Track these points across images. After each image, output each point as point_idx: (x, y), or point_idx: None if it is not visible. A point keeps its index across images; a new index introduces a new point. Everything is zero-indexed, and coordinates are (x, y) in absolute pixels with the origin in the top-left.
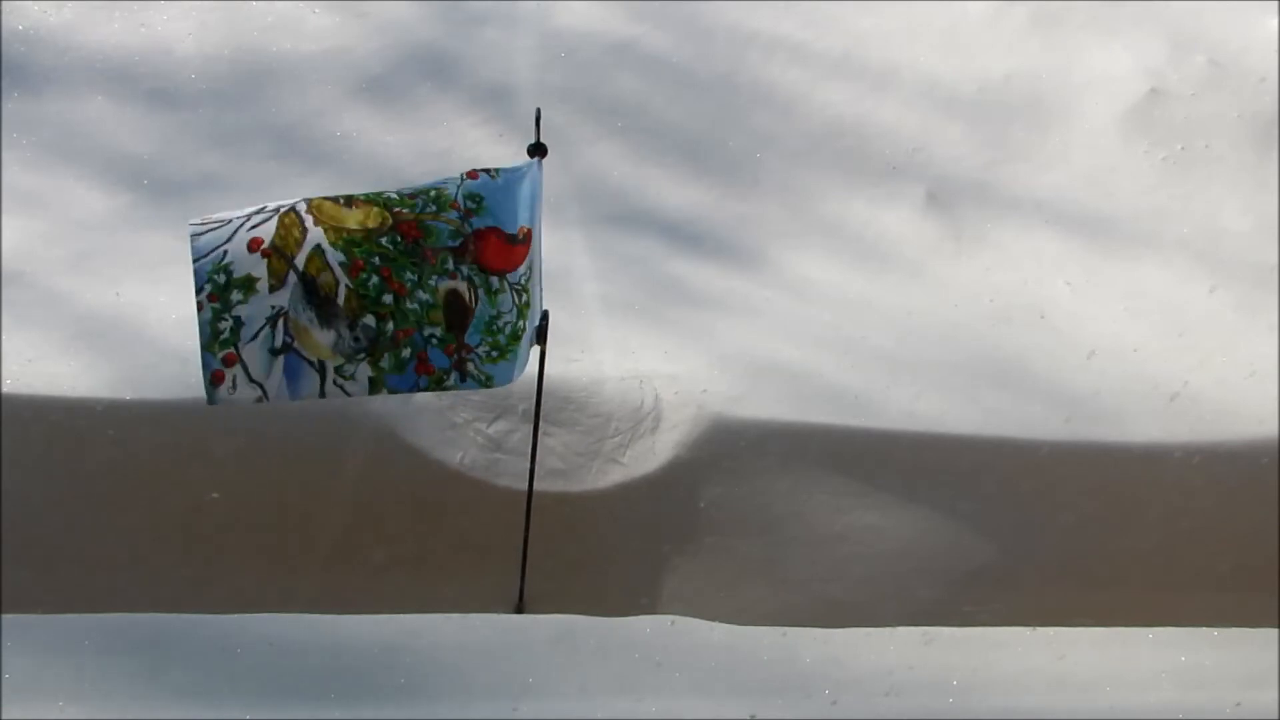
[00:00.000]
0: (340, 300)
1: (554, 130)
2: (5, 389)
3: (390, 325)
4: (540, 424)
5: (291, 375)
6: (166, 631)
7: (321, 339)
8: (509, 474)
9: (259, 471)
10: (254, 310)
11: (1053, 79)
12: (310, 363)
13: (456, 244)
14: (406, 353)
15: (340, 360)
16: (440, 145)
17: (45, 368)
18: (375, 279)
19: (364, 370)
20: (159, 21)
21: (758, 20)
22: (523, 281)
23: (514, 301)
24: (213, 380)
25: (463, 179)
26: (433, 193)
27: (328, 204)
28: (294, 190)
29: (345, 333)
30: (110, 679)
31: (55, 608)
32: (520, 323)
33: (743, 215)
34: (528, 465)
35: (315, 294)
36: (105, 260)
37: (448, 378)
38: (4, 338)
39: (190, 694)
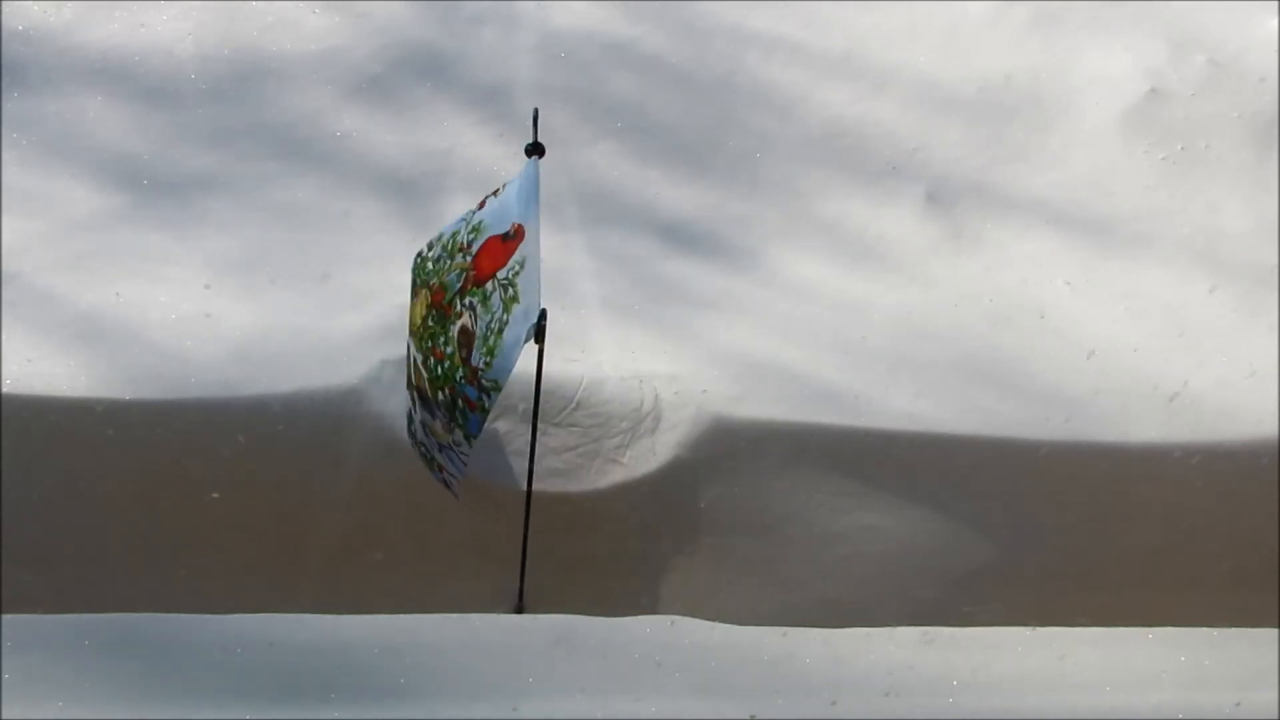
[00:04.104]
0: (439, 401)
1: (553, 130)
2: (5, 389)
3: (446, 391)
4: (540, 424)
5: (451, 462)
6: (166, 631)
7: (439, 427)
8: (509, 474)
9: (259, 471)
10: (417, 429)
11: (1053, 79)
12: (442, 447)
13: (461, 283)
14: (460, 403)
15: (448, 436)
16: (439, 145)
17: (45, 368)
18: (431, 360)
19: (458, 434)
20: (159, 21)
21: (757, 20)
22: (509, 276)
23: (501, 298)
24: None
25: (473, 213)
26: (449, 244)
27: (411, 308)
28: (292, 190)
29: (439, 414)
30: (110, 679)
31: (55, 608)
32: (505, 315)
33: (742, 215)
34: (528, 465)
35: (424, 398)
36: (104, 260)
37: (485, 401)
38: (4, 338)
39: (190, 694)
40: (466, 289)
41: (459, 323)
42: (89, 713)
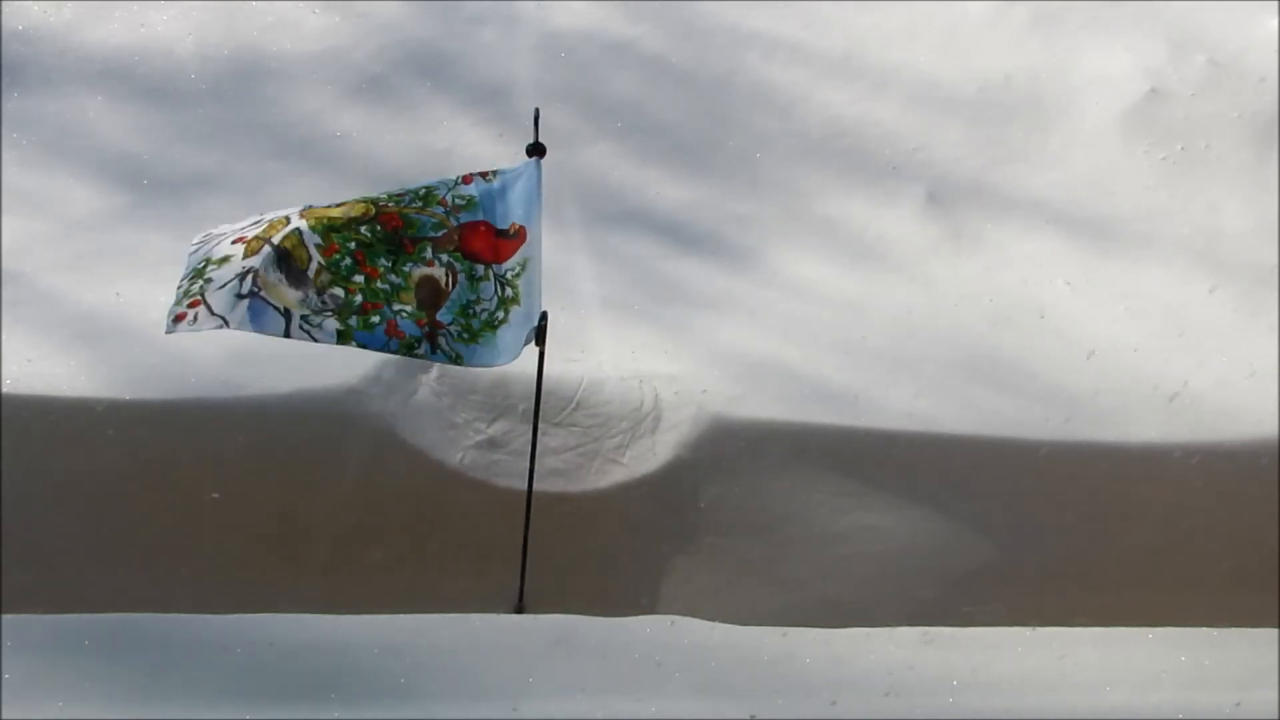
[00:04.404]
0: (310, 273)
1: (553, 130)
2: (5, 389)
3: (359, 298)
4: (540, 424)
5: (256, 313)
6: (166, 631)
7: (289, 294)
8: (509, 474)
9: (259, 471)
10: (225, 273)
11: (1053, 79)
12: (275, 307)
13: (438, 235)
14: (375, 319)
15: (306, 311)
16: (439, 145)
17: (45, 368)
18: (348, 260)
19: (331, 323)
20: (159, 21)
21: (757, 20)
22: (509, 275)
23: (496, 291)
24: (174, 319)
25: (457, 182)
26: (422, 190)
27: (318, 208)
28: (292, 190)
29: (313, 295)
30: (110, 679)
31: (55, 608)
32: (500, 312)
33: (742, 215)
34: (528, 465)
35: (287, 262)
36: (105, 260)
37: (419, 345)
38: (4, 338)
39: (190, 694)
40: (444, 246)
41: (424, 270)
42: (89, 713)
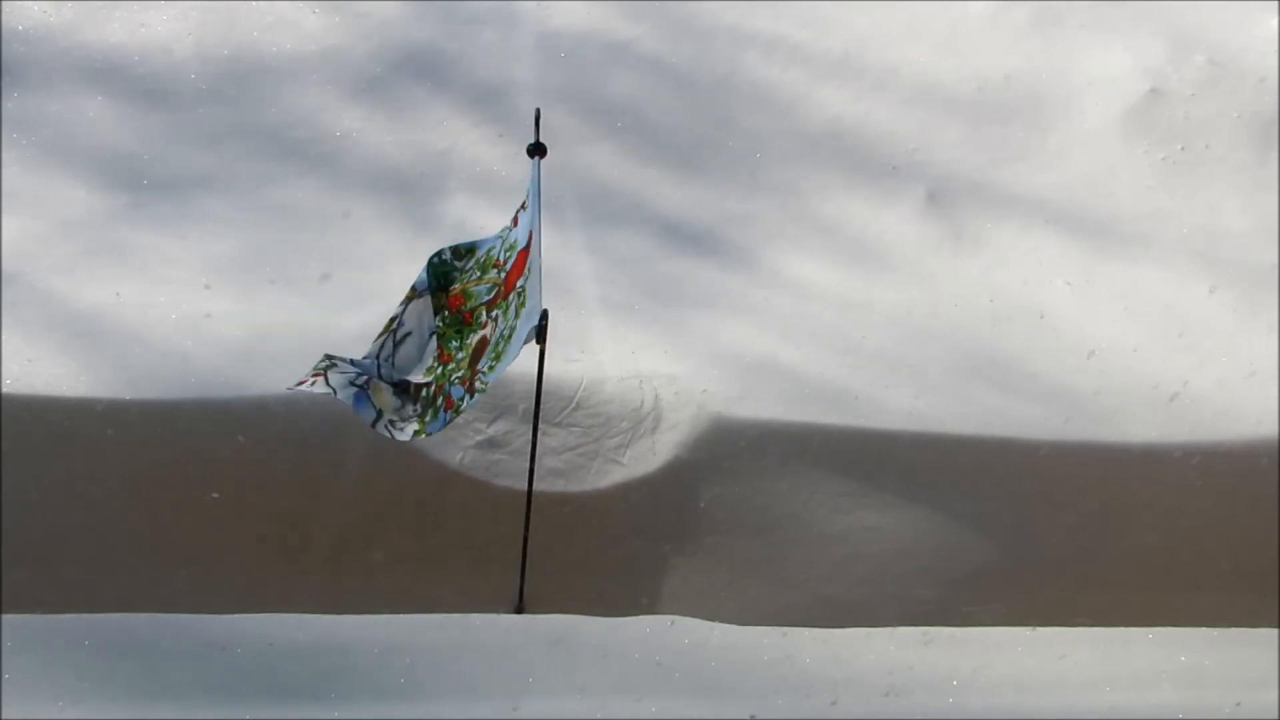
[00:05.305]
0: (413, 388)
1: (552, 131)
2: (5, 389)
3: (433, 388)
4: (540, 424)
5: (358, 401)
6: (166, 631)
7: (388, 400)
8: (509, 474)
9: (259, 471)
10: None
11: (1053, 79)
12: (373, 403)
13: (490, 295)
14: (440, 401)
15: (394, 416)
16: (439, 145)
17: (45, 368)
18: (434, 361)
19: (411, 426)
20: (158, 21)
21: (756, 21)
22: (523, 283)
23: (515, 305)
24: (297, 383)
25: (508, 231)
26: (483, 258)
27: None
28: (292, 190)
29: (410, 405)
30: (110, 679)
31: (55, 608)
32: (515, 321)
33: (742, 215)
34: (528, 465)
35: (404, 388)
36: (105, 260)
37: (463, 403)
38: (4, 338)
39: (190, 694)
40: (495, 302)
41: (480, 333)
42: (89, 713)
